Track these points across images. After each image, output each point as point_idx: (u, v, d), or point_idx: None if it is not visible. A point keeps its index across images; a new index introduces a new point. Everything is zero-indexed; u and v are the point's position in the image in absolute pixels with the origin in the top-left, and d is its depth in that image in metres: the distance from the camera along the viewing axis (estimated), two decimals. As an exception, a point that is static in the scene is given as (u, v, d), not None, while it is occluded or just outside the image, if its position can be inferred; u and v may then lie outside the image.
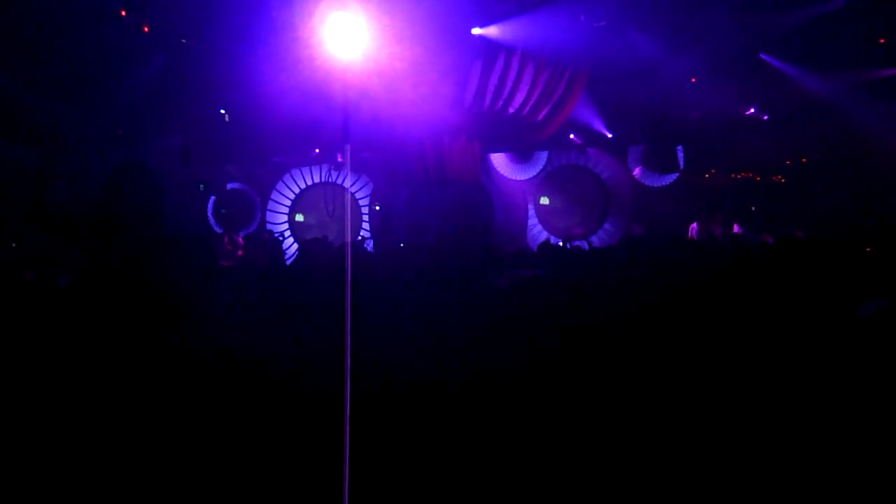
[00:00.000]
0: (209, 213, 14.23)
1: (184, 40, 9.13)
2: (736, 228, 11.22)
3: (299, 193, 14.92)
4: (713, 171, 13.97)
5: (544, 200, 15.06)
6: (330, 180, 13.92)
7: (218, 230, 13.57)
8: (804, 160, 13.15)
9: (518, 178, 15.08)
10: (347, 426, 2.15)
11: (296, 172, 14.77)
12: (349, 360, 2.18)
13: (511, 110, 10.03)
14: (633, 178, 14.44)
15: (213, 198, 14.26)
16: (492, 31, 9.13)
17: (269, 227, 14.53)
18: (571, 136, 13.54)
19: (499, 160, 15.01)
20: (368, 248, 12.33)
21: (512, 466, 2.80)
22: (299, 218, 14.89)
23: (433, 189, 9.97)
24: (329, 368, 2.61)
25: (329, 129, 10.26)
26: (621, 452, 2.82)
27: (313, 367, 3.09)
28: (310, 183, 14.86)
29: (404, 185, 11.72)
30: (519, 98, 9.90)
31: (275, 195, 14.86)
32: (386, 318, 3.39)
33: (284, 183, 14.85)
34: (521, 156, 14.67)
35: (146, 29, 9.16)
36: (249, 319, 3.92)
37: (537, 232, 14.90)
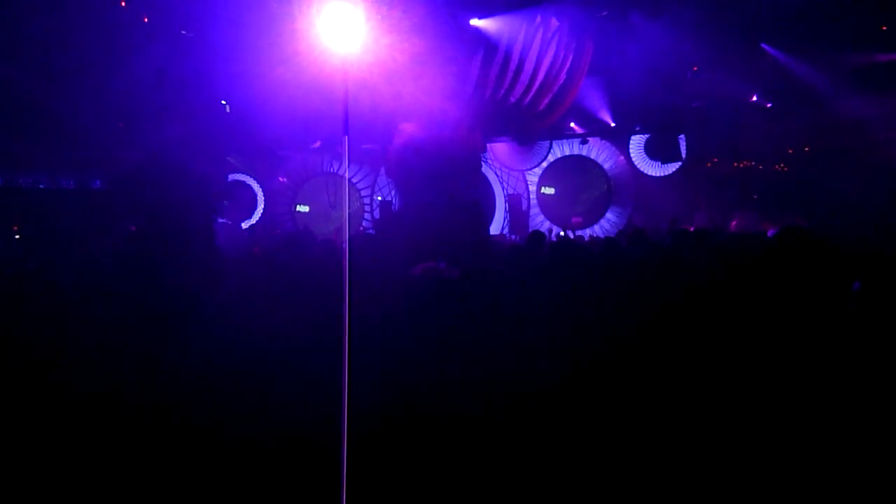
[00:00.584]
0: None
1: (183, 31, 9.09)
2: (738, 219, 11.20)
3: (300, 184, 14.92)
4: (715, 159, 13.92)
5: (548, 190, 15.05)
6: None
7: (220, 221, 13.58)
8: (807, 149, 13.10)
9: (520, 168, 15.08)
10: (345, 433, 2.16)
11: (298, 163, 14.77)
12: (347, 360, 2.18)
13: (512, 100, 9.99)
14: (635, 168, 14.41)
15: (214, 189, 14.27)
16: (492, 21, 9.09)
17: (270, 218, 14.55)
18: (573, 125, 13.50)
19: (500, 150, 14.98)
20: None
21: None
22: (304, 209, 14.90)
23: (433, 180, 9.95)
24: (324, 365, 2.62)
25: (329, 122, 10.24)
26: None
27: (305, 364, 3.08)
28: (311, 174, 14.87)
29: (404, 175, 11.69)
30: (520, 88, 9.86)
31: (276, 185, 14.87)
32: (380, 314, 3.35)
33: (286, 173, 14.85)
34: (523, 145, 14.61)
35: (146, 20, 9.12)
36: (247, 314, 3.93)
37: (539, 221, 14.90)
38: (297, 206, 14.94)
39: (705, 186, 13.31)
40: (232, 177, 14.35)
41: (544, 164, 15.12)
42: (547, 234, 10.88)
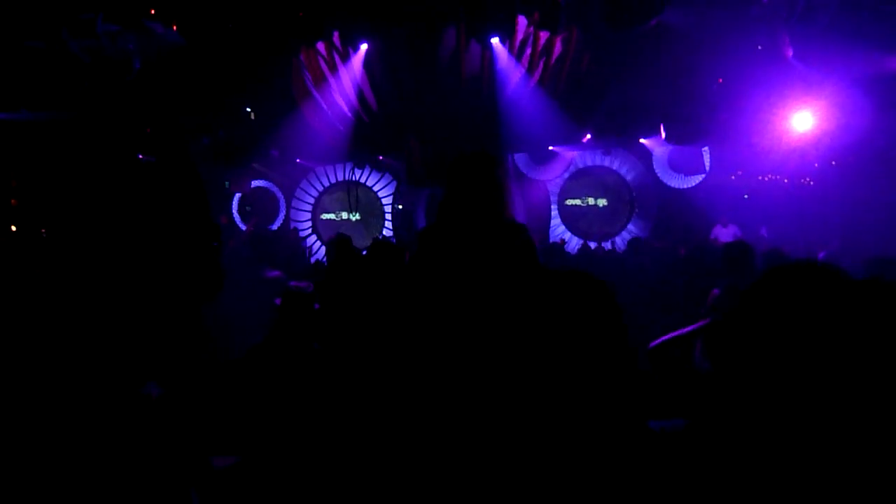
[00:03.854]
0: (234, 210, 14.38)
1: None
2: (763, 232, 11.10)
3: (322, 191, 15.02)
4: (740, 172, 13.78)
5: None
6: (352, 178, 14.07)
7: (242, 227, 13.70)
8: (833, 163, 12.90)
9: (541, 178, 15.02)
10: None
11: (320, 171, 14.88)
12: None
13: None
14: (657, 180, 14.32)
15: (237, 195, 14.40)
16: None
17: (293, 224, 14.65)
18: (588, 136, 13.39)
19: (521, 159, 14.95)
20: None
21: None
22: (329, 217, 15.02)
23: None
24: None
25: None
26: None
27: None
28: (333, 181, 14.96)
29: (426, 184, 11.74)
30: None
31: (298, 193, 14.97)
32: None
33: (308, 181, 14.96)
34: (541, 160, 14.56)
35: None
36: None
37: (560, 232, 14.84)
38: (323, 215, 15.00)
39: (729, 200, 13.18)
40: (255, 183, 14.48)
41: (566, 175, 15.06)
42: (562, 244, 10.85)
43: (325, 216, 15.05)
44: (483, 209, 2.86)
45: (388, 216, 14.83)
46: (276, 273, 5.44)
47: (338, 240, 5.65)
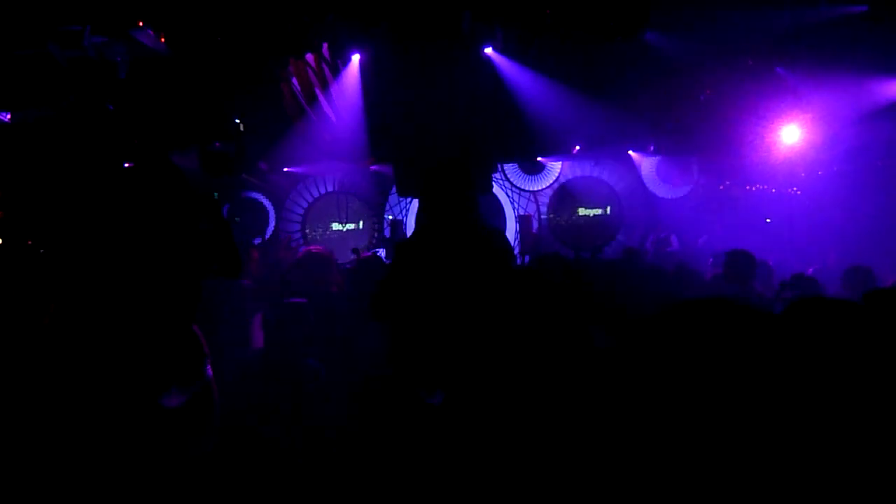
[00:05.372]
0: (223, 221, 14.28)
1: None
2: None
3: (312, 202, 14.98)
4: (728, 182, 13.87)
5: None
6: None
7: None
8: (820, 172, 13.01)
9: (530, 189, 15.04)
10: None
11: (310, 181, 14.85)
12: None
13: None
14: (647, 190, 14.39)
15: (226, 206, 14.32)
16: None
17: (283, 235, 14.59)
18: (577, 147, 13.46)
19: (510, 170, 14.99)
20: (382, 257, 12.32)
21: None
22: (321, 226, 14.96)
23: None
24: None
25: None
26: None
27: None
28: (323, 192, 14.93)
29: (416, 195, 11.73)
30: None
31: (288, 203, 14.92)
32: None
33: (297, 191, 14.92)
34: (531, 171, 14.60)
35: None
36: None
37: (551, 242, 14.84)
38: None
39: (717, 209, 13.27)
40: (244, 194, 14.44)
41: (555, 185, 15.08)
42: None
43: (316, 225, 15.01)
44: (457, 218, 2.93)
45: (376, 226, 14.83)
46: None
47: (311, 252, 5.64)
